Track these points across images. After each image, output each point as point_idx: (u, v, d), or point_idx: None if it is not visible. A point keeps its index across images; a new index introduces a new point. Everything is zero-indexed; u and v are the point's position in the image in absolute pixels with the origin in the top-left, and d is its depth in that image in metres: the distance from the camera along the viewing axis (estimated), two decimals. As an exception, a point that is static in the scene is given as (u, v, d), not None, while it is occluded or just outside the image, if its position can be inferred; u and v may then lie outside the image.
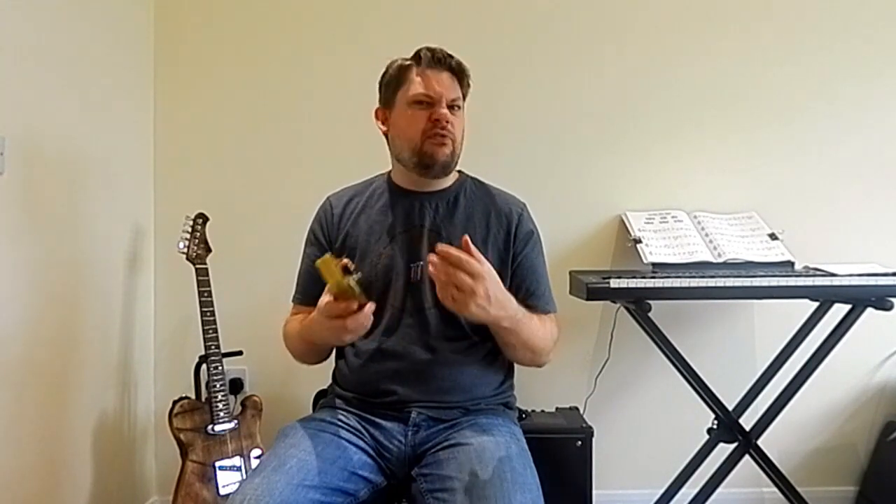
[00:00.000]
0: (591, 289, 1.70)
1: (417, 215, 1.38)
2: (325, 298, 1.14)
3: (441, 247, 1.07)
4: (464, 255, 1.07)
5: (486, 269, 1.09)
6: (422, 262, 1.35)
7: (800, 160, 2.19)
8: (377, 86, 1.42)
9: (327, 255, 1.09)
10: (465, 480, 1.11)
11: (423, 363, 1.31)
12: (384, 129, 1.41)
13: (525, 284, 1.38)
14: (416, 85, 1.33)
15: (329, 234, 1.42)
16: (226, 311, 1.97)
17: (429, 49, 1.34)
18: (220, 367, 1.88)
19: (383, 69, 1.40)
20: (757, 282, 1.70)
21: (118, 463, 2.01)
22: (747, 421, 1.86)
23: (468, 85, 1.38)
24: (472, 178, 1.48)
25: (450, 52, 1.36)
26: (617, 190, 2.19)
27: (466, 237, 1.11)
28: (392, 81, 1.37)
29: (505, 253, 1.38)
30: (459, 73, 1.35)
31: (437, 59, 1.33)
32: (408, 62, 1.35)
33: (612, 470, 2.13)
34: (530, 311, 1.32)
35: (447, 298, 1.09)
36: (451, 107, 1.33)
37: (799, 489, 1.88)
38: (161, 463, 2.16)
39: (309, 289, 1.41)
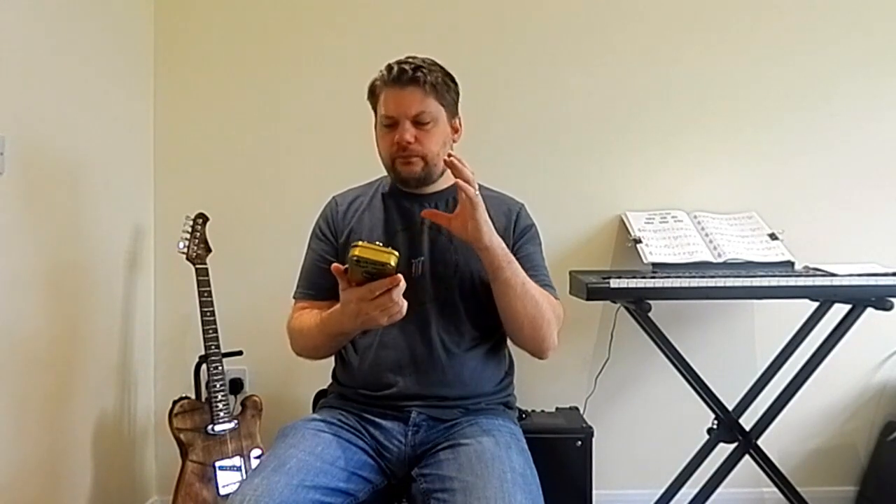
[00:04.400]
0: (591, 289, 1.70)
1: (418, 214, 1.39)
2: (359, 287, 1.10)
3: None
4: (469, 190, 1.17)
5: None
6: (422, 258, 1.37)
7: (800, 160, 2.19)
8: None
9: (365, 241, 1.06)
10: (465, 481, 1.11)
11: (423, 356, 1.32)
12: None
13: (525, 273, 1.38)
14: (382, 106, 1.35)
15: (334, 230, 1.44)
16: (226, 311, 1.97)
17: (389, 66, 1.33)
18: (220, 367, 1.88)
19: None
20: (757, 282, 1.70)
21: (118, 463, 2.01)
22: (747, 421, 1.86)
23: (441, 93, 1.34)
24: None
25: (417, 61, 1.33)
26: (617, 190, 2.19)
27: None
28: (370, 100, 1.41)
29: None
30: (422, 85, 1.31)
31: (396, 76, 1.31)
32: (377, 81, 1.37)
33: (612, 470, 2.13)
34: None
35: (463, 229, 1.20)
36: (418, 122, 1.32)
37: (799, 489, 1.88)
38: (161, 463, 2.16)
39: (317, 282, 1.42)
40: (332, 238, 1.44)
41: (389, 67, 1.34)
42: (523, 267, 1.37)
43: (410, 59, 1.34)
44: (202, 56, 2.18)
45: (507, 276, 1.25)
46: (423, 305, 1.34)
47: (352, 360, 1.38)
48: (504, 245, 1.26)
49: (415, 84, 1.32)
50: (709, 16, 2.19)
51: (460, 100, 1.43)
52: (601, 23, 2.19)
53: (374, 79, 1.39)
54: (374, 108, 1.41)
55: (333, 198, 1.51)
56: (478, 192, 1.19)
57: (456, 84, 1.40)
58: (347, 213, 1.45)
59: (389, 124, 1.34)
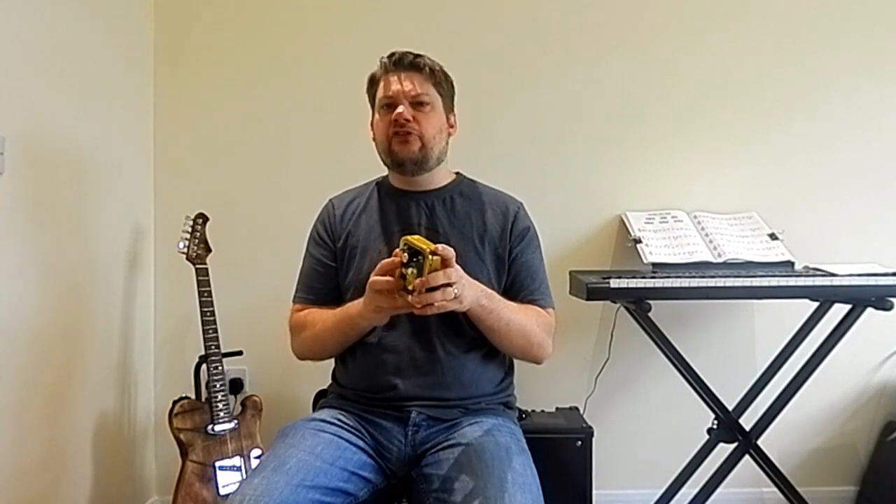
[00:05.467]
0: (591, 289, 1.70)
1: (415, 214, 1.40)
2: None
3: (418, 297, 1.09)
4: (445, 276, 1.09)
5: (456, 269, 1.12)
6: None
7: (800, 160, 2.19)
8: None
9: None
10: (465, 481, 1.11)
11: (423, 358, 1.32)
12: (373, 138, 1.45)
13: (522, 281, 1.40)
14: (381, 90, 1.38)
15: (332, 234, 1.44)
16: (226, 311, 1.97)
17: (389, 54, 1.37)
18: (220, 367, 1.88)
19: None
20: (757, 282, 1.70)
21: (118, 463, 2.01)
22: (747, 421, 1.86)
23: (440, 81, 1.39)
24: (470, 179, 1.50)
25: (416, 51, 1.37)
26: (617, 190, 2.19)
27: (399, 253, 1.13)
28: (368, 93, 1.43)
29: (502, 249, 1.40)
30: (421, 70, 1.36)
31: (396, 61, 1.36)
32: (378, 70, 1.40)
33: (612, 470, 2.13)
34: (528, 305, 1.36)
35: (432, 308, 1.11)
36: (417, 104, 1.35)
37: (799, 489, 1.88)
38: (161, 463, 2.16)
39: (315, 287, 1.43)
40: (329, 242, 1.44)
41: (391, 55, 1.37)
42: (520, 275, 1.39)
43: (410, 51, 1.38)
44: (202, 56, 2.18)
45: (489, 324, 1.28)
46: None
47: (351, 362, 1.38)
48: (479, 296, 1.23)
49: (415, 69, 1.36)
50: (709, 16, 2.19)
51: (458, 99, 1.45)
52: (601, 23, 2.19)
53: (371, 73, 1.41)
54: (373, 100, 1.42)
55: (330, 200, 1.51)
56: (456, 294, 1.12)
57: (452, 81, 1.43)
58: (345, 215, 1.45)
59: (388, 104, 1.36)
